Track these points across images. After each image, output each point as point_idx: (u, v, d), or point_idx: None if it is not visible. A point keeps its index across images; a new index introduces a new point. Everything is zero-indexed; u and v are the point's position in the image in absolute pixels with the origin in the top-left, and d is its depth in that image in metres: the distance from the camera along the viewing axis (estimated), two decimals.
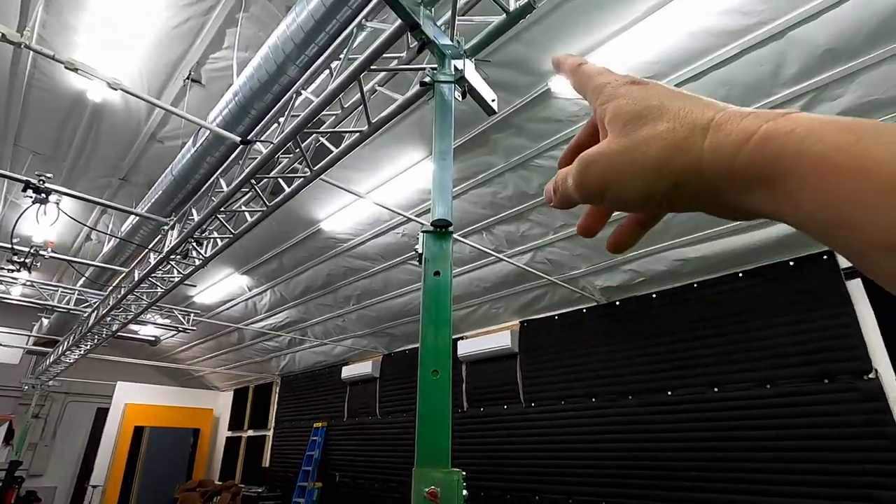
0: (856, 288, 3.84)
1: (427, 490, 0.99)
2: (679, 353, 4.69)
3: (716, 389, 4.37)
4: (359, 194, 3.38)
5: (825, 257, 4.02)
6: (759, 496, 3.85)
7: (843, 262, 3.95)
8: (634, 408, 4.85)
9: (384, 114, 2.34)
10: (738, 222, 4.19)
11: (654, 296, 5.04)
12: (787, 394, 3.96)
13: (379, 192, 4.71)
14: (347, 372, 8.43)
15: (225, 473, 11.27)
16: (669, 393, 4.65)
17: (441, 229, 1.28)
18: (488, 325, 6.58)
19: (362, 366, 8.18)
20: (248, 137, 2.79)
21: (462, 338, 6.70)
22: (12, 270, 4.09)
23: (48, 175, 3.17)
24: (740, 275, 4.47)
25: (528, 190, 4.52)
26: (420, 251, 1.27)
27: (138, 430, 10.86)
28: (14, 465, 7.41)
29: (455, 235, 4.67)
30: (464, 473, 1.06)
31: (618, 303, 5.31)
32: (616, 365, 5.11)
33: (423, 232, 1.29)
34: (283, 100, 2.73)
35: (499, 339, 6.16)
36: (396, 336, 7.64)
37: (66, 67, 2.48)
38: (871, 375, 3.61)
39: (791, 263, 4.21)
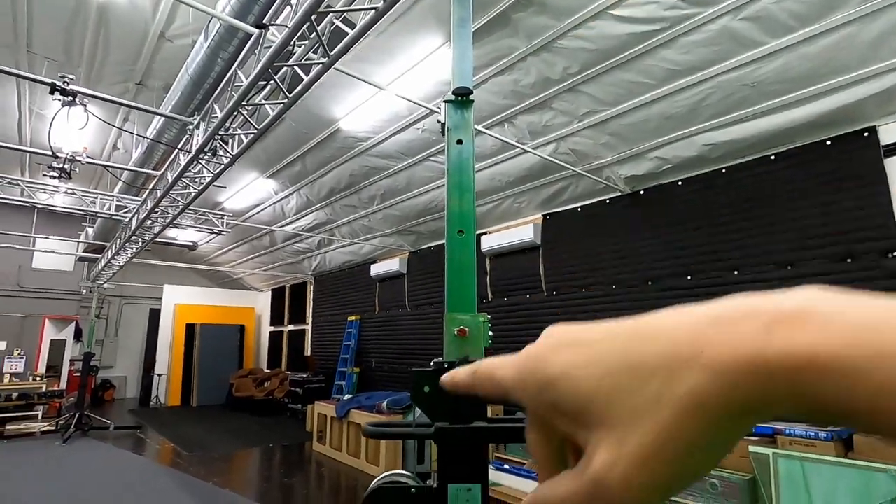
0: (894, 167, 3.71)
1: (457, 329, 1.13)
2: (701, 240, 4.73)
3: (735, 272, 4.46)
4: (379, 86, 3.31)
5: (865, 134, 3.83)
6: None
7: (884, 139, 3.78)
8: (653, 292, 5.02)
9: None
10: (774, 101, 3.97)
11: (679, 183, 4.96)
12: (807, 274, 4.02)
13: (396, 85, 4.58)
14: (376, 269, 8.83)
15: (272, 363, 12.42)
16: (689, 277, 4.77)
17: (462, 97, 1.29)
18: (511, 220, 6.67)
19: (390, 263, 8.53)
20: (262, 22, 2.71)
21: (486, 233, 6.84)
22: (54, 177, 4.29)
23: (71, 77, 3.19)
24: (773, 157, 4.33)
25: (552, 75, 4.31)
26: (442, 121, 1.31)
27: (190, 327, 11.92)
28: (88, 356, 8.35)
29: (477, 127, 4.58)
30: (489, 316, 1.20)
31: (642, 192, 5.27)
32: (637, 253, 5.21)
33: (444, 101, 1.31)
34: None
35: (522, 232, 6.27)
36: (422, 234, 7.84)
37: None
38: (895, 254, 3.61)
39: (828, 143, 4.04)
